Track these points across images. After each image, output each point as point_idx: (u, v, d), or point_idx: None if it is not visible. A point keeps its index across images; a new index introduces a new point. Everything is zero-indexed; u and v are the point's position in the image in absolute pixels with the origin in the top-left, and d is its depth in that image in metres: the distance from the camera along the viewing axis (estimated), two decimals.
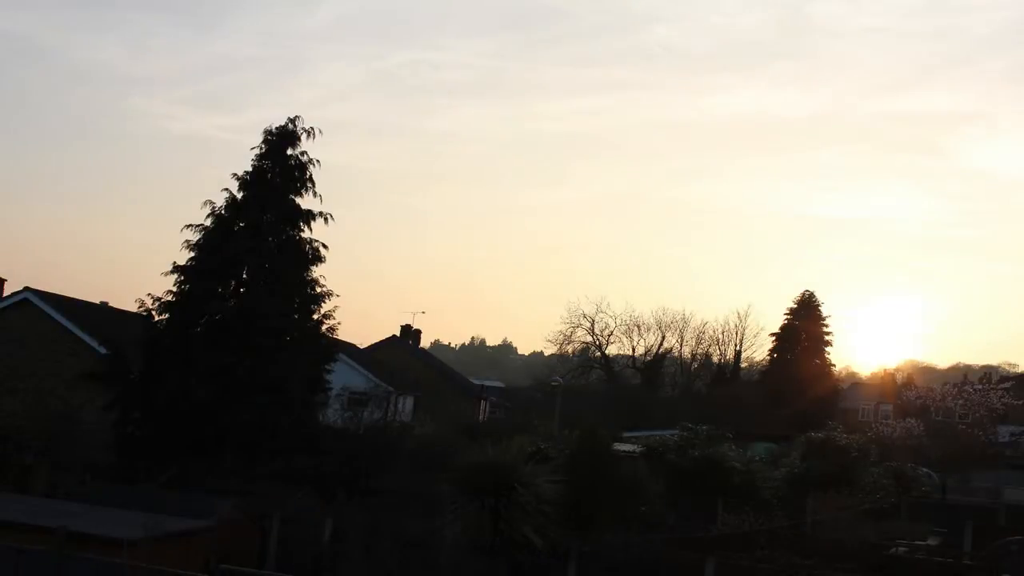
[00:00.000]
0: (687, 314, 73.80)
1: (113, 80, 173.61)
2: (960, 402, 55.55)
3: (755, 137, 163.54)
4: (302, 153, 23.32)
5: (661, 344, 72.10)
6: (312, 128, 23.30)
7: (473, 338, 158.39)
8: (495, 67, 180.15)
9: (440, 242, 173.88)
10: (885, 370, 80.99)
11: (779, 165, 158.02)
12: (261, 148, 23.14)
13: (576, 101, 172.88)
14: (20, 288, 29.23)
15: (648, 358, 71.74)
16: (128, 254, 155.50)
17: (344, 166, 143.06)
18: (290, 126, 23.25)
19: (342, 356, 30.38)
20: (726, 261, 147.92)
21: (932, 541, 22.41)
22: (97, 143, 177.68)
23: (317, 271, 23.18)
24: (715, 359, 72.22)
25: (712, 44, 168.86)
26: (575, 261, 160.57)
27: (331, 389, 25.97)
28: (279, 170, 23.08)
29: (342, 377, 31.72)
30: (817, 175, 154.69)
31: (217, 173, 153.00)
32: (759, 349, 70.33)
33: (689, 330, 71.60)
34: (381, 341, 57.17)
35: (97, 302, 33.79)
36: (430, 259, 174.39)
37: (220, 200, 22.69)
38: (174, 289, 22.20)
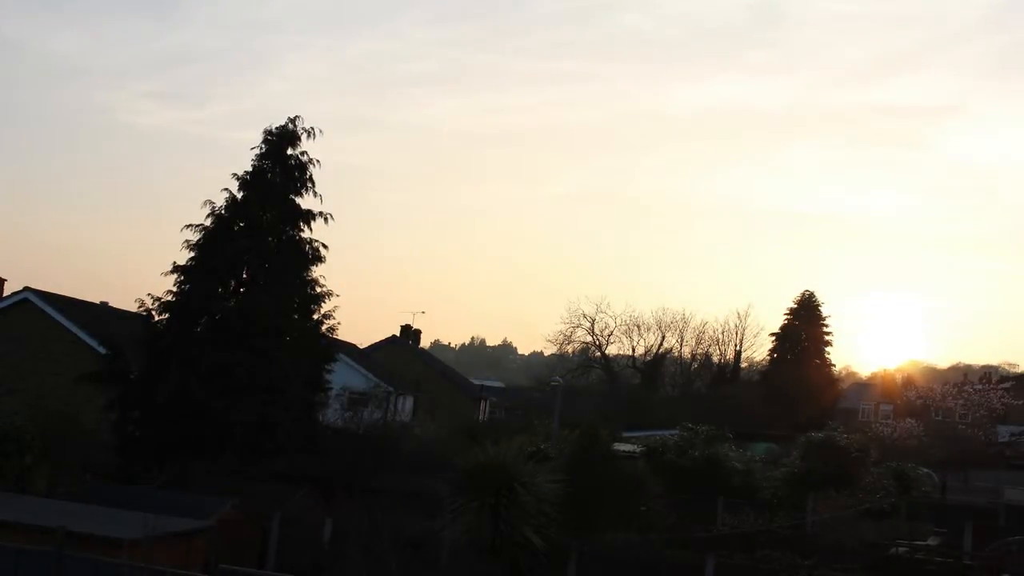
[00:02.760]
0: (687, 314, 73.68)
1: (76, 73, 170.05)
2: (960, 402, 55.64)
3: (735, 129, 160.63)
4: (302, 153, 23.34)
5: (661, 344, 72.12)
6: (312, 128, 23.35)
7: (473, 338, 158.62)
8: (458, 58, 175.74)
9: (434, 240, 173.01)
10: (885, 370, 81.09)
11: (765, 159, 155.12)
12: (261, 148, 23.15)
13: (546, 93, 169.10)
14: (20, 288, 29.26)
15: (648, 358, 71.70)
16: (126, 254, 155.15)
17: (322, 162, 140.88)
18: (290, 126, 23.25)
19: (342, 356, 30.42)
20: (724, 259, 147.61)
21: (932, 541, 22.41)
22: (70, 139, 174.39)
23: (317, 271, 23.22)
24: (715, 359, 72.20)
25: (682, 33, 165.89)
26: (572, 260, 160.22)
27: (331, 389, 25.98)
28: (279, 170, 23.09)
29: (342, 377, 31.74)
30: (805, 170, 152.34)
31: (195, 169, 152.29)
32: (759, 349, 70.37)
33: (689, 330, 71.61)
34: (381, 341, 57.16)
35: (97, 302, 33.79)
36: (430, 259, 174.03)
37: (220, 200, 22.73)
38: (174, 289, 22.20)
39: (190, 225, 22.39)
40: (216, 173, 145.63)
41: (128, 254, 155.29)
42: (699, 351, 72.41)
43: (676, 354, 72.86)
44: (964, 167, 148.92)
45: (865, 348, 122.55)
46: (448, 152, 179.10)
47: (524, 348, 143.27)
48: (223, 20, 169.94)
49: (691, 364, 72.64)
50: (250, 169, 23.01)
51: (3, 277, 32.23)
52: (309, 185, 23.27)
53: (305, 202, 23.26)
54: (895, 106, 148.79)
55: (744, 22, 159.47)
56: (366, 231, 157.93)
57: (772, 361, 64.91)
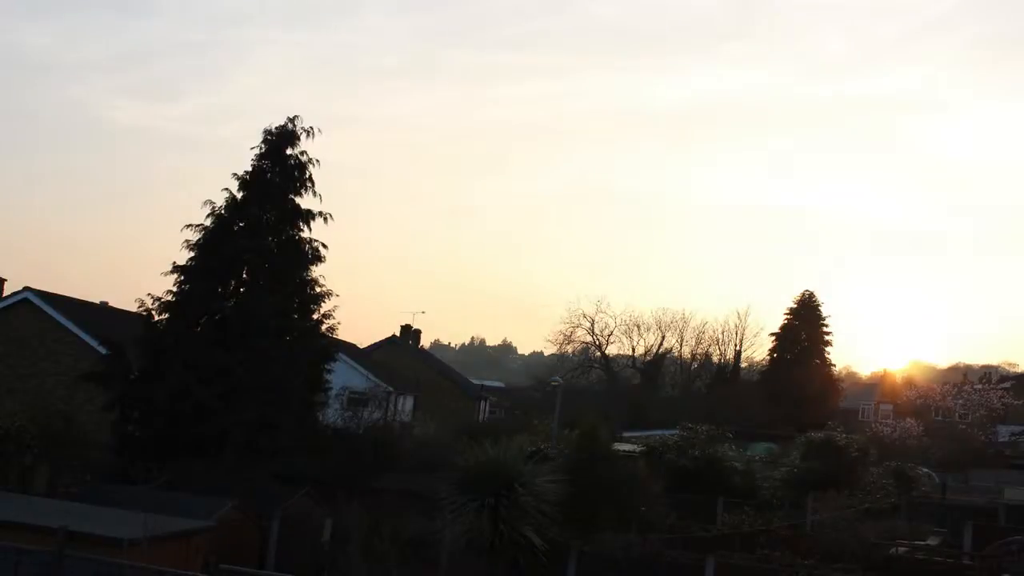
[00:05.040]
0: (687, 314, 73.73)
1: (47, 68, 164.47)
2: (960, 402, 55.75)
3: (719, 124, 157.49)
4: (301, 153, 23.38)
5: (661, 344, 72.18)
6: (311, 128, 23.39)
7: (473, 338, 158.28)
8: (426, 51, 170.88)
9: (428, 238, 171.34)
10: (885, 370, 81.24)
11: (763, 156, 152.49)
12: (260, 148, 23.19)
13: (520, 87, 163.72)
14: (20, 288, 29.26)
15: (648, 358, 71.74)
16: (124, 253, 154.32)
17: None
18: (289, 126, 23.30)
19: (342, 356, 30.41)
20: (724, 259, 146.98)
21: (932, 541, 22.41)
22: (53, 136, 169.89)
23: (317, 271, 23.26)
24: (715, 359, 72.24)
25: (657, 24, 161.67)
26: (572, 260, 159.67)
27: (331, 389, 25.98)
28: (279, 170, 23.12)
29: (342, 377, 31.72)
30: (805, 168, 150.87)
31: (179, 165, 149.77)
32: (759, 349, 70.43)
33: (689, 330, 71.70)
34: (381, 341, 57.12)
35: (97, 302, 33.80)
36: (430, 259, 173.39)
37: (220, 200, 22.75)
38: (174, 289, 22.22)
39: (190, 225, 22.44)
40: (199, 169, 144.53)
41: (126, 253, 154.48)
42: (699, 351, 72.57)
43: (676, 354, 73.02)
44: (965, 165, 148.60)
45: (865, 348, 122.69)
46: (420, 148, 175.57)
47: (524, 348, 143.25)
48: (192, 14, 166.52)
49: (691, 364, 72.70)
50: (249, 169, 23.04)
51: (3, 277, 32.30)
52: (308, 185, 23.30)
53: (305, 202, 23.32)
54: (894, 101, 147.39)
55: (720, 13, 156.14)
56: (366, 231, 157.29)
57: (772, 361, 64.95)
